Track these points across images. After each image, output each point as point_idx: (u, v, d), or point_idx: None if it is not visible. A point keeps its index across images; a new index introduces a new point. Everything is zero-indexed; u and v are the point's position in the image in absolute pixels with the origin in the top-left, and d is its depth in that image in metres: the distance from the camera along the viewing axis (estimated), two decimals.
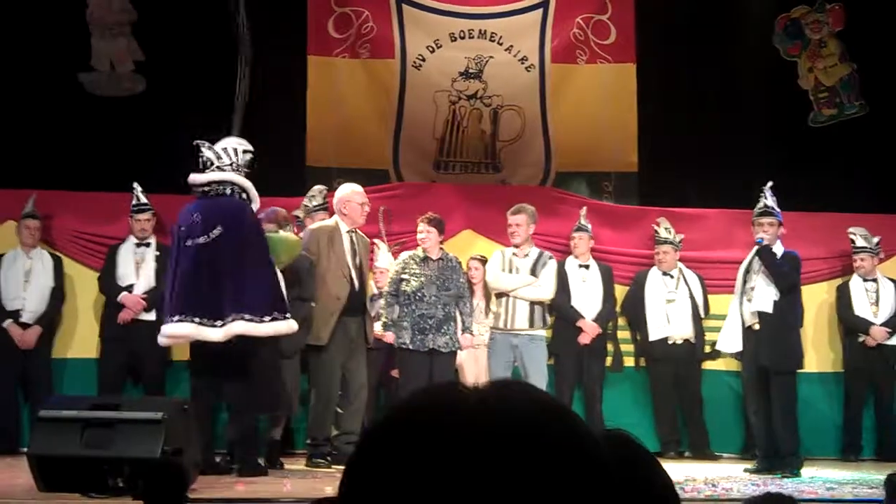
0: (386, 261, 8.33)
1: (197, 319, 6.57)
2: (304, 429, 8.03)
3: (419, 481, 0.91)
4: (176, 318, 6.63)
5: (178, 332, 6.68)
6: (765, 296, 7.46)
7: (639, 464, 1.00)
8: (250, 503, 5.92)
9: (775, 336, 7.44)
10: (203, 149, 6.83)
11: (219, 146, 6.86)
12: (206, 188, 6.80)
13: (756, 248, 7.56)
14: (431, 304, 7.65)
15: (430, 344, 7.61)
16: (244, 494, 6.04)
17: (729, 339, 7.85)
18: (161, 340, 6.96)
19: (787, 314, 7.48)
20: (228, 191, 6.80)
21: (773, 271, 7.45)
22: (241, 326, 6.57)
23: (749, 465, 7.58)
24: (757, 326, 7.50)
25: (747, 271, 7.64)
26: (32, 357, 8.31)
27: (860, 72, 10.51)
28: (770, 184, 7.70)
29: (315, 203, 8.21)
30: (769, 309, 7.43)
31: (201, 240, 6.63)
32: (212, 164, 6.79)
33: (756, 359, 7.53)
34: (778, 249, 7.55)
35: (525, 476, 0.90)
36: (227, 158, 6.82)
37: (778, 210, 7.62)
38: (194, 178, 6.82)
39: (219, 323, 6.56)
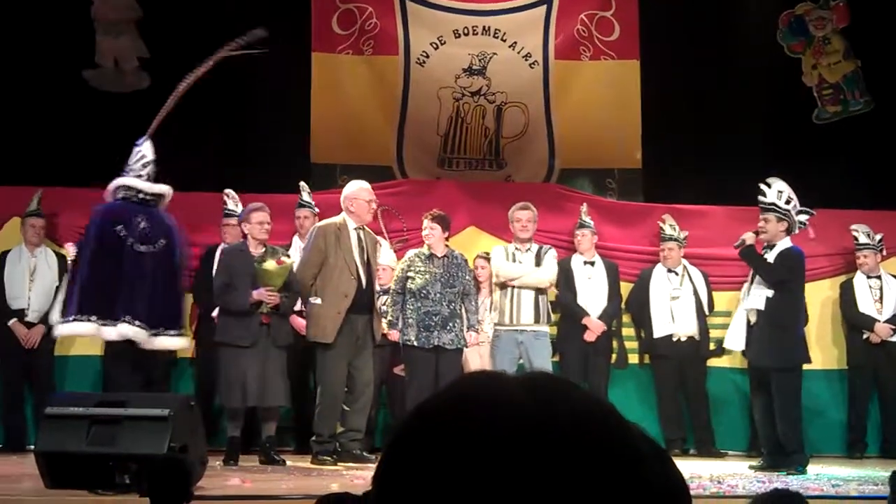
0: (388, 258, 8.33)
1: (137, 323, 6.82)
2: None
3: (467, 478, 0.87)
4: (128, 319, 6.80)
5: (129, 334, 6.85)
6: (758, 292, 7.46)
7: (659, 459, 0.99)
8: (256, 500, 5.92)
9: (768, 333, 7.40)
10: (140, 153, 7.07)
11: (145, 153, 7.08)
12: (149, 197, 7.02)
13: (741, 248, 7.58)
14: (437, 301, 7.65)
15: (435, 341, 7.62)
16: (249, 491, 6.03)
17: (734, 337, 7.87)
18: (109, 335, 6.97)
19: (780, 311, 7.38)
20: (160, 204, 7.10)
21: (755, 267, 7.45)
22: (174, 342, 7.10)
23: (754, 463, 7.57)
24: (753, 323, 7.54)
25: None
26: (36, 355, 8.30)
27: (864, 68, 10.50)
28: (769, 179, 7.63)
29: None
30: (761, 306, 7.42)
31: (148, 248, 6.86)
32: (134, 170, 7.06)
33: (753, 356, 7.54)
34: (784, 245, 7.48)
35: (577, 475, 0.88)
36: (147, 169, 7.09)
37: (780, 205, 7.45)
38: (143, 185, 7.01)
39: (151, 331, 6.89)
